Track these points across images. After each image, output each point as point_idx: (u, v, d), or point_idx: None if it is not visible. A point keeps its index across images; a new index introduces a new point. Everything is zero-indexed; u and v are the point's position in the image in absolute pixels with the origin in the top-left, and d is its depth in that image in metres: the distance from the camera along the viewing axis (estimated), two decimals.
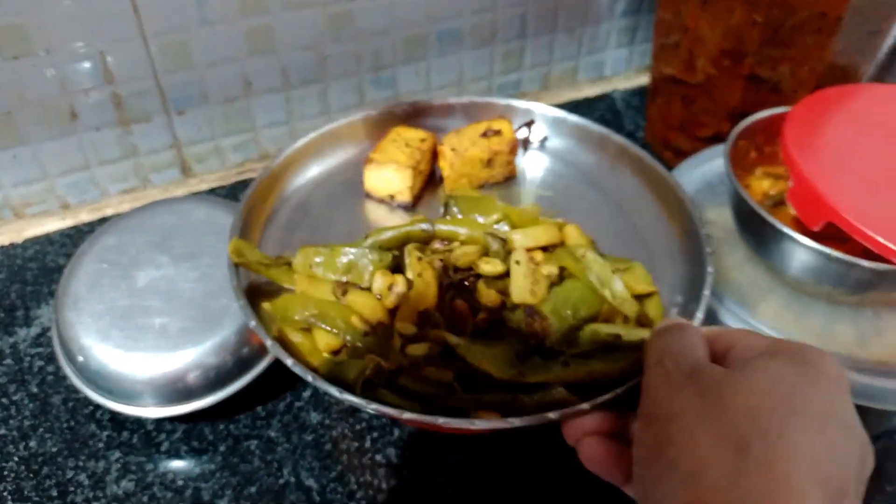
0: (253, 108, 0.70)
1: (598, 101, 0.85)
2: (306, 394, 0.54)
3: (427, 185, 0.55)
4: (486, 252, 0.42)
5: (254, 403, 0.54)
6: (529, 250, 0.44)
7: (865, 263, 0.45)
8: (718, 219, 0.57)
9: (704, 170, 0.59)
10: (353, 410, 0.53)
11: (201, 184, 0.72)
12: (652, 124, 0.76)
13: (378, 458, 0.51)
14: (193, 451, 0.51)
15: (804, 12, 0.58)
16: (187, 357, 0.49)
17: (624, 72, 0.88)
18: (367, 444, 0.52)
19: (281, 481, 0.49)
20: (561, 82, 0.85)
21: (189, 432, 0.52)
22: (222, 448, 0.51)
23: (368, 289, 0.43)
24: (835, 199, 0.45)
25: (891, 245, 0.42)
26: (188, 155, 0.70)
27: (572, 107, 0.84)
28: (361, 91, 0.74)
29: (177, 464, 0.50)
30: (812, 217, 0.46)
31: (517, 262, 0.40)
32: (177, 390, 0.49)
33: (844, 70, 0.62)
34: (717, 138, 0.68)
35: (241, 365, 0.51)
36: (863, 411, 0.50)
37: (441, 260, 0.41)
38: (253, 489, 0.49)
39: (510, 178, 0.56)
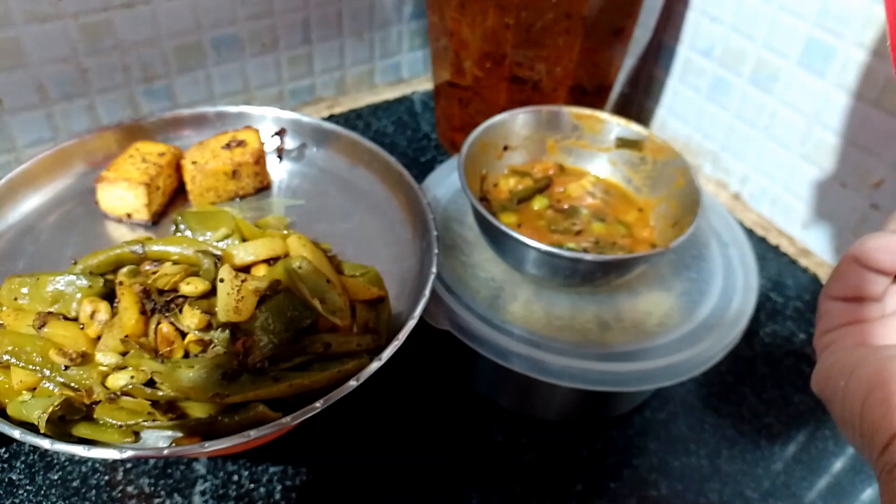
0: (9, 127, 0.65)
1: (397, 104, 0.85)
2: None
3: (176, 199, 0.54)
4: (196, 272, 0.41)
5: None
6: (252, 265, 0.43)
7: (588, 257, 0.47)
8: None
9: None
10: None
11: None
12: (440, 126, 0.77)
13: (130, 489, 0.49)
14: None
15: (550, 14, 0.61)
16: None
17: (423, 73, 0.89)
18: (119, 475, 0.49)
19: None
20: (358, 86, 0.85)
21: None
22: None
23: (77, 318, 0.41)
24: None
25: None
26: None
27: (371, 110, 0.84)
28: (135, 103, 0.70)
29: None
30: None
31: (221, 280, 0.39)
32: None
33: (597, 67, 0.66)
34: None
35: None
36: (608, 395, 0.53)
37: (141, 284, 0.40)
38: None
39: (263, 188, 0.55)
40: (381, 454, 0.51)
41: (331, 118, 0.81)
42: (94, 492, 0.48)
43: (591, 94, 0.68)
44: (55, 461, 0.50)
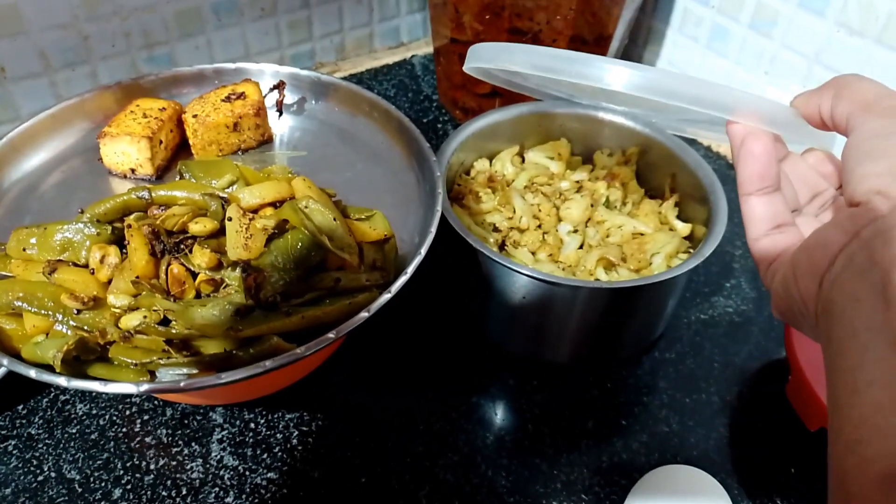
0: (13, 96, 0.66)
1: (397, 68, 0.85)
2: None
3: (179, 155, 0.54)
4: (204, 213, 0.41)
5: (14, 402, 0.51)
6: (259, 207, 0.44)
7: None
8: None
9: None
10: (122, 395, 0.52)
11: None
12: (441, 86, 0.77)
13: (148, 439, 0.49)
14: None
15: None
16: None
17: (422, 37, 0.89)
18: (137, 427, 0.50)
19: (40, 478, 0.47)
20: (357, 50, 0.84)
21: None
22: None
23: (87, 266, 0.41)
24: None
25: None
26: None
27: (371, 74, 0.84)
28: (137, 70, 0.71)
29: None
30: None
31: (229, 219, 0.40)
32: None
33: (596, 16, 0.65)
34: (496, 93, 0.70)
35: None
36: (618, 336, 0.52)
37: (149, 225, 0.40)
38: (7, 490, 0.46)
39: (265, 141, 0.55)
40: (393, 399, 0.52)
41: None
42: (112, 444, 0.49)
43: (590, 45, 0.68)
44: (73, 415, 0.50)
